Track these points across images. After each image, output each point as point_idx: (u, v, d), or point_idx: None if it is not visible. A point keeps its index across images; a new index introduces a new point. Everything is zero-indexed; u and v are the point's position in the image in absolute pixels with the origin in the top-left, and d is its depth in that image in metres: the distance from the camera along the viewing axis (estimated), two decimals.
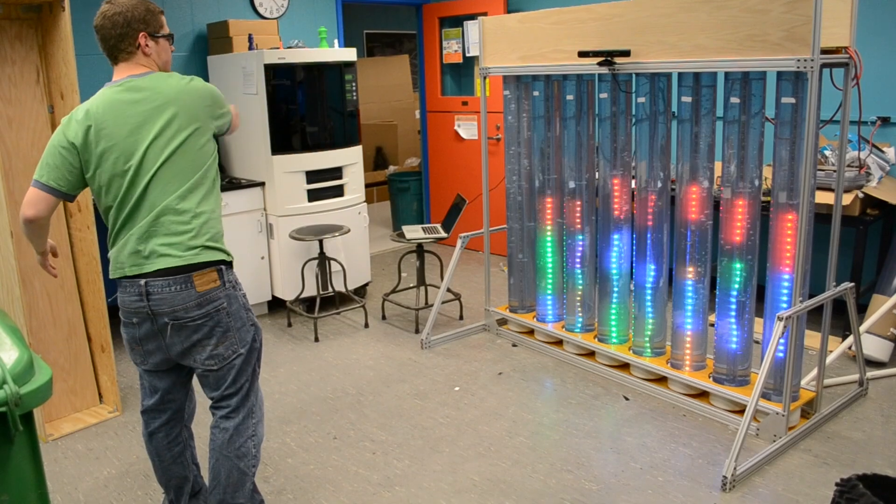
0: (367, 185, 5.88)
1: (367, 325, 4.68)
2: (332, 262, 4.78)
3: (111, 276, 2.27)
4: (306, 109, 4.74)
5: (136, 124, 2.15)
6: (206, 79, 5.05)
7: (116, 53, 2.23)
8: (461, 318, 4.76)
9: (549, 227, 4.09)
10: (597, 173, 3.81)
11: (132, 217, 2.20)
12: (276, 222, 4.72)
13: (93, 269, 3.42)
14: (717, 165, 4.02)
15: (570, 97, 3.79)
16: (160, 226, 2.18)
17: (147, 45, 2.23)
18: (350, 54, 4.89)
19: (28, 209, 2.17)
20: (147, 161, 2.16)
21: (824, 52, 2.85)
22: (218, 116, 2.29)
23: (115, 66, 2.25)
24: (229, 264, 2.31)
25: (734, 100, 3.10)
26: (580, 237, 3.94)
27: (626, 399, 3.56)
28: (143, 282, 2.19)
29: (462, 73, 6.64)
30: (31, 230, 2.23)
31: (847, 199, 3.80)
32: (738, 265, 3.23)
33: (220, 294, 2.24)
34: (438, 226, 4.72)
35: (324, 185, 4.85)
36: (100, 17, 2.21)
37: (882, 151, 4.11)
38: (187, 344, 2.25)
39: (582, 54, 3.48)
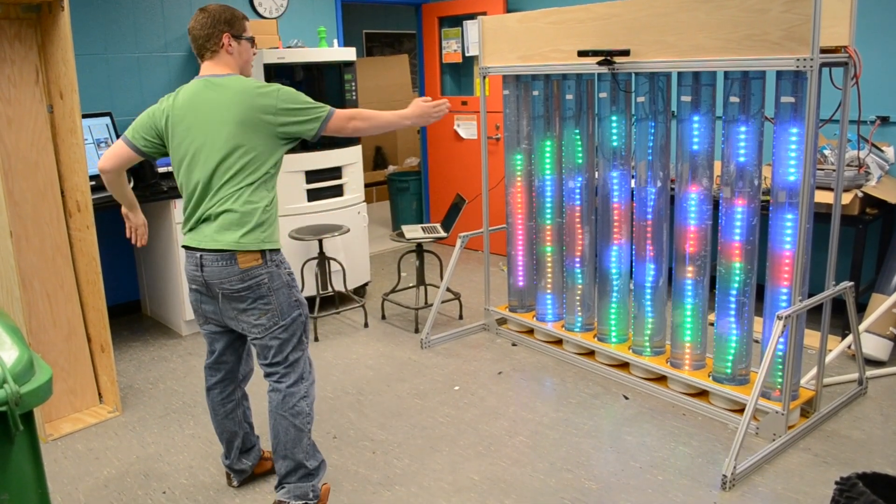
0: (366, 185, 5.87)
1: (366, 325, 4.68)
2: (331, 261, 4.78)
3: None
4: None
5: (207, 117, 2.45)
6: None
7: (203, 52, 2.56)
8: (461, 317, 4.76)
9: (548, 227, 4.10)
10: (596, 172, 3.81)
11: (194, 197, 2.51)
12: None
13: (92, 269, 3.42)
14: (717, 165, 4.03)
15: (569, 96, 3.79)
16: (215, 213, 2.47)
17: (230, 45, 2.55)
18: (349, 54, 4.88)
19: (103, 159, 2.61)
20: (211, 151, 2.45)
21: (823, 51, 2.85)
22: (288, 120, 2.46)
23: (202, 63, 2.59)
24: (274, 249, 2.54)
25: (733, 99, 3.11)
26: (580, 236, 3.94)
27: (626, 398, 3.56)
28: (198, 254, 2.51)
29: (461, 72, 6.64)
30: (105, 180, 2.66)
31: (846, 198, 3.81)
32: (737, 264, 3.24)
33: (261, 271, 2.49)
34: (438, 225, 4.72)
35: (323, 184, 4.85)
36: (192, 20, 2.55)
37: (881, 151, 4.11)
38: (236, 311, 2.54)
39: (581, 54, 3.48)
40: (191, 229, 2.55)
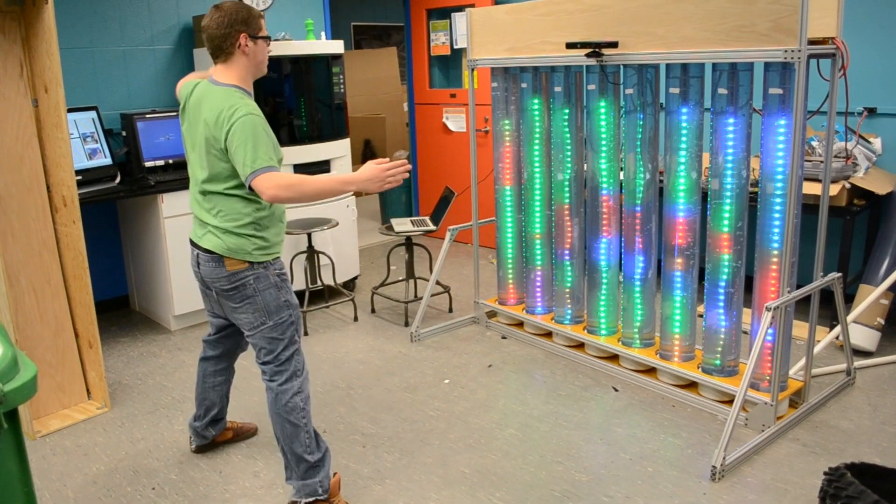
0: None
1: (356, 319, 4.67)
2: (320, 255, 4.76)
3: None
4: (293, 102, 4.71)
5: (198, 121, 2.50)
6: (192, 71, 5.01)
7: (218, 53, 2.52)
8: (450, 310, 4.75)
9: (537, 219, 4.09)
10: (585, 164, 3.81)
11: (195, 193, 2.59)
12: None
13: (79, 264, 3.39)
14: (705, 156, 4.03)
15: (558, 89, 3.78)
16: (206, 215, 2.56)
17: (246, 46, 2.50)
18: (337, 47, 4.86)
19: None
20: (200, 154, 2.51)
21: (811, 42, 2.86)
22: (231, 155, 2.39)
23: (215, 65, 2.55)
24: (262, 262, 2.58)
25: (722, 91, 3.11)
26: (569, 229, 3.94)
27: (616, 390, 3.57)
28: (196, 252, 2.61)
29: (450, 65, 6.62)
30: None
31: (834, 189, 3.82)
32: (725, 256, 3.24)
33: (247, 273, 2.54)
34: (427, 218, 4.71)
35: None
36: (206, 18, 2.50)
37: (868, 142, 4.12)
38: (229, 308, 2.64)
39: (570, 46, 3.47)
40: (194, 223, 2.64)
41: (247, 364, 3.98)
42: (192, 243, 2.62)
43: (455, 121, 6.30)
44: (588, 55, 3.40)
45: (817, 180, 3.72)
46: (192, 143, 2.58)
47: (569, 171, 3.88)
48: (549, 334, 4.13)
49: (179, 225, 4.34)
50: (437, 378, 3.77)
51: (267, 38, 2.58)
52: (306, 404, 2.66)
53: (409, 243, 4.69)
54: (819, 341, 3.79)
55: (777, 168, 3.03)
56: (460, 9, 5.98)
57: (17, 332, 3.27)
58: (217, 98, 2.46)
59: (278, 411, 2.62)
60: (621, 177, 3.66)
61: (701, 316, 3.51)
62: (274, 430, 2.66)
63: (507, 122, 4.11)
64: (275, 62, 4.56)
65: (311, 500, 2.64)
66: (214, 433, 3.11)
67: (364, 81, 9.05)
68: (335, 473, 2.76)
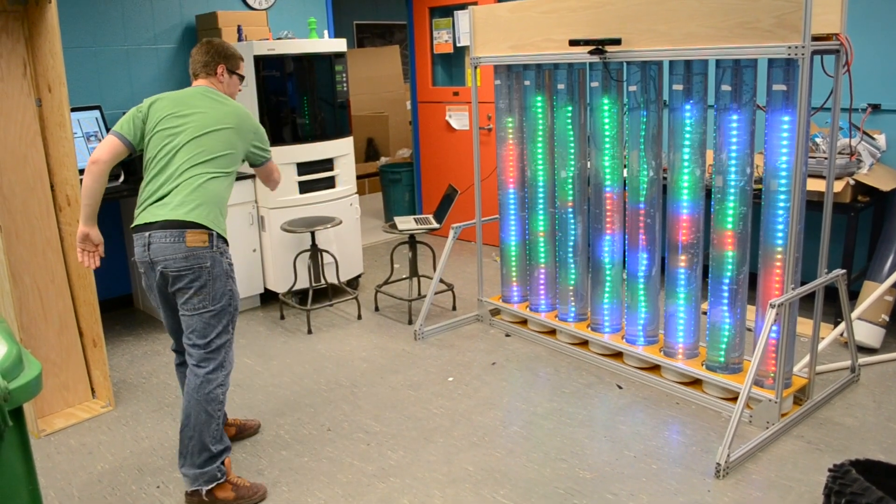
0: (358, 177, 5.85)
1: (360, 317, 4.67)
2: (324, 253, 4.76)
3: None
4: (296, 101, 4.71)
5: (210, 113, 2.74)
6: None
7: (198, 72, 2.89)
8: (454, 308, 4.75)
9: (541, 217, 4.09)
10: (588, 162, 3.81)
11: (162, 175, 2.69)
12: (267, 214, 4.70)
13: None
14: (709, 154, 4.02)
15: (561, 86, 3.78)
16: (188, 189, 2.66)
17: (222, 75, 2.90)
18: (340, 45, 4.86)
19: (98, 151, 2.69)
20: (205, 139, 2.71)
21: (815, 38, 2.85)
22: (256, 147, 2.89)
23: (195, 81, 2.89)
24: (222, 237, 2.72)
25: (725, 87, 3.10)
26: (572, 226, 3.94)
27: (620, 388, 3.57)
28: (147, 234, 2.63)
29: (453, 63, 6.62)
30: (97, 172, 2.67)
31: (838, 186, 3.81)
32: (729, 253, 3.24)
33: (205, 253, 2.64)
34: (430, 216, 4.71)
35: (315, 176, 4.83)
36: (197, 46, 2.89)
37: (873, 138, 4.11)
38: (173, 289, 2.67)
39: (573, 43, 3.47)
40: (149, 206, 2.67)
41: (251, 363, 3.99)
42: (142, 227, 2.64)
43: (458, 119, 6.29)
44: (591, 52, 3.40)
45: (821, 177, 3.71)
46: (181, 125, 2.70)
47: (572, 169, 3.87)
48: (552, 332, 4.13)
49: None
50: (441, 376, 3.77)
51: (241, 78, 2.98)
52: (224, 397, 2.76)
53: (412, 241, 4.69)
54: (823, 338, 3.79)
55: (781, 165, 3.02)
56: (463, 6, 5.97)
57: (21, 331, 3.28)
58: (230, 102, 2.84)
59: (199, 399, 2.69)
60: (625, 174, 3.65)
61: (705, 313, 3.51)
62: (186, 413, 2.71)
63: (510, 119, 4.12)
64: (278, 60, 4.57)
65: (212, 485, 2.71)
66: None
67: (367, 80, 9.05)
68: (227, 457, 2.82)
